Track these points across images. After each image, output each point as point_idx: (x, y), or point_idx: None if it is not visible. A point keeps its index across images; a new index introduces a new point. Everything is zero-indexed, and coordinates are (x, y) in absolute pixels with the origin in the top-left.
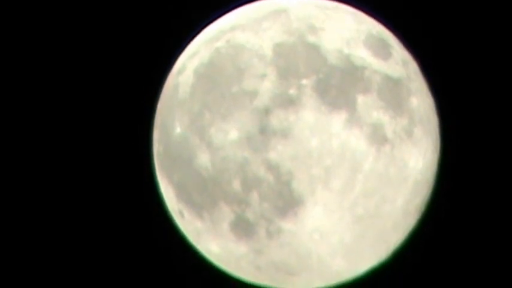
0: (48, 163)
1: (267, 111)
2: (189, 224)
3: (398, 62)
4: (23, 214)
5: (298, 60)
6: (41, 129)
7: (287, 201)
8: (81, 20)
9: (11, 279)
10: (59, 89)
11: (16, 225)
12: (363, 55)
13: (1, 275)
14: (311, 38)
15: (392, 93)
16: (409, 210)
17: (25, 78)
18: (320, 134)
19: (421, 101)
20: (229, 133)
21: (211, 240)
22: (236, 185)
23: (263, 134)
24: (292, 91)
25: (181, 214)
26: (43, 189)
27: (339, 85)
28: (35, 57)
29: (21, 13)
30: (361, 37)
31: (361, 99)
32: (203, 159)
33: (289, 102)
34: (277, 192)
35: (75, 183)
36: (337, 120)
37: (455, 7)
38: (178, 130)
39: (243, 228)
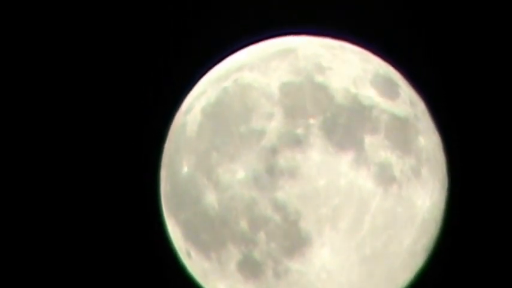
0: (57, 201)
1: (274, 151)
2: (196, 264)
3: (406, 102)
4: (30, 235)
5: (306, 99)
6: (50, 163)
7: (294, 241)
8: (91, 60)
9: (10, 281)
10: (68, 129)
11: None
12: (370, 94)
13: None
14: (318, 78)
15: (399, 133)
16: (416, 250)
17: (36, 111)
18: (327, 173)
19: (428, 140)
20: (237, 173)
21: (219, 281)
22: (243, 224)
23: (270, 173)
24: (299, 131)
25: (188, 254)
26: (55, 227)
27: (346, 125)
28: (43, 91)
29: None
30: (368, 76)
31: (368, 139)
32: (210, 198)
33: (297, 142)
34: (284, 232)
35: (82, 222)
36: (345, 159)
37: (461, 47)
38: (185, 169)
39: (250, 268)
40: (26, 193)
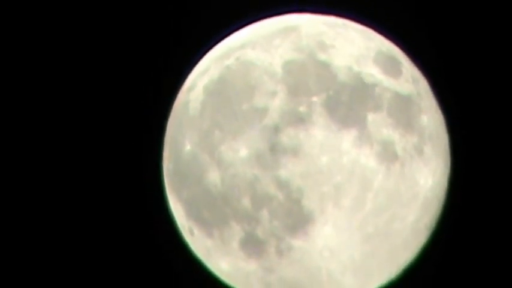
0: (62, 181)
1: (276, 129)
2: (199, 241)
3: (409, 80)
4: (38, 228)
5: (308, 77)
6: (54, 152)
7: (297, 219)
8: (96, 40)
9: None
10: (73, 109)
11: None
12: (373, 72)
13: (9, 275)
14: (321, 56)
15: (402, 111)
16: (419, 228)
17: (38, 102)
18: (330, 151)
19: (431, 118)
20: (239, 151)
21: (221, 258)
22: (246, 202)
23: (273, 151)
24: (302, 109)
25: (191, 232)
26: (60, 213)
27: (349, 102)
28: (47, 83)
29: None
30: (371, 54)
31: (371, 116)
32: (213, 176)
33: (299, 120)
34: (287, 209)
35: (86, 202)
36: (347, 137)
37: (464, 25)
38: (188, 147)
39: (253, 245)
40: (28, 176)
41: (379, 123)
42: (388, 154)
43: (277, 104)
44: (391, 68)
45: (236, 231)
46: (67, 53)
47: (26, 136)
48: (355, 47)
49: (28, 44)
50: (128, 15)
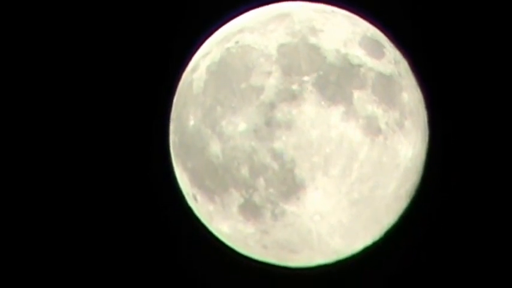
0: (76, 153)
1: (272, 105)
2: (202, 207)
3: (391, 61)
4: (44, 208)
5: (300, 59)
6: (67, 125)
7: (290, 187)
8: (106, 23)
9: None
10: (87, 86)
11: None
12: (358, 54)
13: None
14: (312, 39)
15: (385, 89)
16: (400, 195)
17: (49, 82)
18: (320, 125)
19: (411, 96)
20: (238, 125)
21: (222, 222)
22: (244, 171)
23: (269, 126)
24: (294, 87)
25: (195, 198)
26: (72, 174)
27: (337, 81)
28: (60, 62)
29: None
30: (357, 38)
31: (357, 94)
32: (214, 148)
33: (292, 97)
34: (281, 178)
35: (99, 170)
36: (336, 113)
37: (443, 11)
38: (192, 122)
39: (250, 210)
40: (34, 159)
41: (364, 100)
42: (372, 128)
43: (272, 83)
44: (375, 50)
45: (235, 197)
46: (74, 41)
47: (36, 128)
48: (343, 32)
49: (32, 35)
50: (137, 4)
